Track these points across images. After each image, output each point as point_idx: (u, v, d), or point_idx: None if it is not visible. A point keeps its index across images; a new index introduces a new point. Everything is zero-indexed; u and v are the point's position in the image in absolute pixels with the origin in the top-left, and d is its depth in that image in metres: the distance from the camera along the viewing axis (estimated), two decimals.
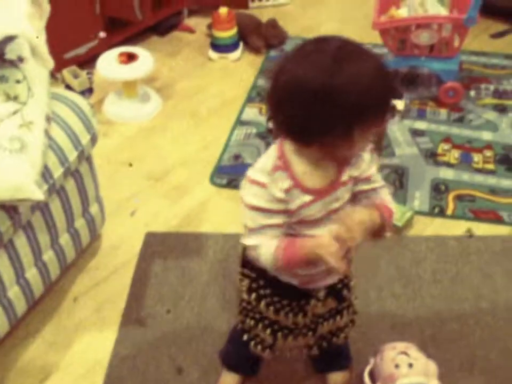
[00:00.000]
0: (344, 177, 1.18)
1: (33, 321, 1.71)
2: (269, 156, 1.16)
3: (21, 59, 1.46)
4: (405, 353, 1.51)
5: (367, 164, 1.20)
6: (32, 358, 1.64)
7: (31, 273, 1.61)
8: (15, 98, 1.41)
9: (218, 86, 2.59)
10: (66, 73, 2.45)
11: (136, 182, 2.16)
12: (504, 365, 1.61)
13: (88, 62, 2.54)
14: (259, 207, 1.14)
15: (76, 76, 2.44)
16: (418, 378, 1.45)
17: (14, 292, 1.57)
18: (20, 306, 1.61)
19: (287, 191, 1.14)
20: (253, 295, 1.33)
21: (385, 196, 1.24)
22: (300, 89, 1.04)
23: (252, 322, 1.38)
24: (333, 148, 1.09)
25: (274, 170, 1.14)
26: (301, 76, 1.04)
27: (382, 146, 1.19)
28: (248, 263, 1.29)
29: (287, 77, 1.06)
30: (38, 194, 1.38)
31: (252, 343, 1.41)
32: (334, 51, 1.04)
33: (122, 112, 2.43)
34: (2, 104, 1.39)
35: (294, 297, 1.32)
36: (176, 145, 2.32)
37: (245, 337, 1.41)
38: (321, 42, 1.07)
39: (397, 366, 1.47)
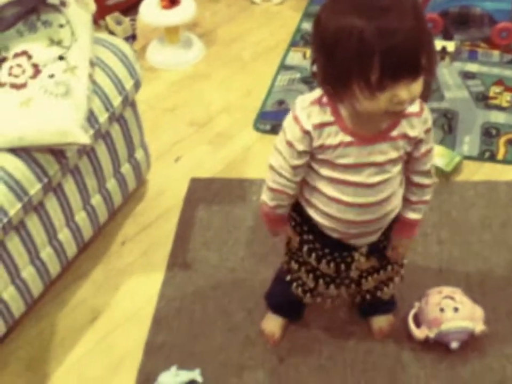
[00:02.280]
0: (394, 132, 1.14)
1: (83, 264, 1.76)
2: (316, 91, 1.13)
3: (63, 3, 1.45)
4: (451, 297, 1.49)
5: (422, 126, 1.16)
6: (82, 299, 1.70)
7: (80, 217, 1.65)
8: (59, 42, 1.41)
9: (262, 30, 2.54)
10: (109, 20, 2.44)
11: (180, 129, 2.17)
12: None
13: (130, 8, 2.52)
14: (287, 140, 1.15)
15: (119, 23, 2.43)
16: (464, 322, 1.44)
17: (64, 234, 1.61)
18: (70, 249, 1.66)
19: (320, 126, 1.12)
20: (297, 239, 1.33)
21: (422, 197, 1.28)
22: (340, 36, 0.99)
23: (296, 265, 1.38)
24: (366, 100, 1.03)
25: (313, 104, 1.12)
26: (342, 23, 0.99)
27: (428, 95, 1.13)
28: (297, 205, 1.29)
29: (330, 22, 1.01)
30: (84, 138, 1.39)
31: (294, 284, 1.42)
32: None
33: (165, 58, 2.42)
34: (47, 48, 1.40)
35: (336, 249, 1.31)
36: (219, 92, 2.30)
37: (288, 277, 1.42)
38: None
39: (442, 309, 1.46)
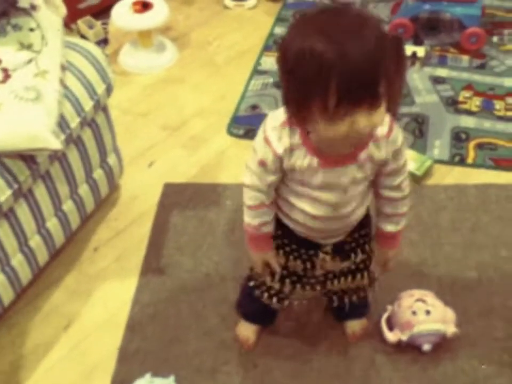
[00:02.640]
0: (362, 155, 1.15)
1: (55, 271, 1.74)
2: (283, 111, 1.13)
3: (33, 7, 1.44)
4: (422, 300, 1.51)
5: (390, 147, 1.17)
6: (55, 306, 1.68)
7: (52, 223, 1.63)
8: (29, 46, 1.40)
9: (235, 35, 2.54)
10: (81, 24, 2.42)
11: (153, 133, 2.16)
12: None
13: (102, 12, 2.50)
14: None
15: (90, 27, 2.41)
16: (436, 325, 1.46)
17: (35, 241, 1.59)
18: (42, 256, 1.63)
19: (290, 149, 1.13)
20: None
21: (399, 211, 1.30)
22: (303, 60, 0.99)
23: (266, 271, 1.38)
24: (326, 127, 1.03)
25: (284, 125, 1.13)
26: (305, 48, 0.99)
27: (396, 112, 1.15)
28: None
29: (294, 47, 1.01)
30: (56, 143, 1.38)
31: (259, 290, 1.43)
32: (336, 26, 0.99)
33: (138, 62, 2.40)
34: (17, 52, 1.38)
35: (302, 246, 1.33)
36: (192, 96, 2.30)
37: (252, 283, 1.43)
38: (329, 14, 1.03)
39: (414, 312, 1.48)
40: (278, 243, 1.34)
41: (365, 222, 1.34)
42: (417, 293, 1.55)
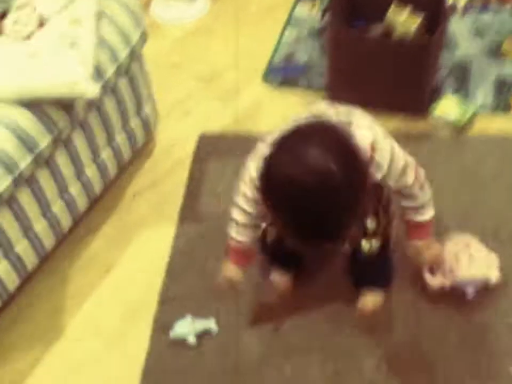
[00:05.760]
0: None
1: (94, 219, 1.75)
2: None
3: None
4: (467, 245, 1.49)
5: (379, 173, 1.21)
6: (95, 253, 1.69)
7: (91, 170, 1.64)
8: None
9: None
10: None
11: (187, 85, 2.14)
12: None
13: None
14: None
15: None
16: (480, 271, 1.44)
17: (75, 188, 1.60)
18: (81, 203, 1.65)
19: None
20: None
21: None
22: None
23: None
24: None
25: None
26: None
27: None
28: None
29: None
30: (91, 91, 1.37)
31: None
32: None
33: (169, 13, 2.37)
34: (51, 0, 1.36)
35: None
36: (225, 46, 2.26)
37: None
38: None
39: (458, 258, 1.46)
40: None
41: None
42: (461, 238, 1.52)
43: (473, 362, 1.43)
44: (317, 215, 1.03)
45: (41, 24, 1.43)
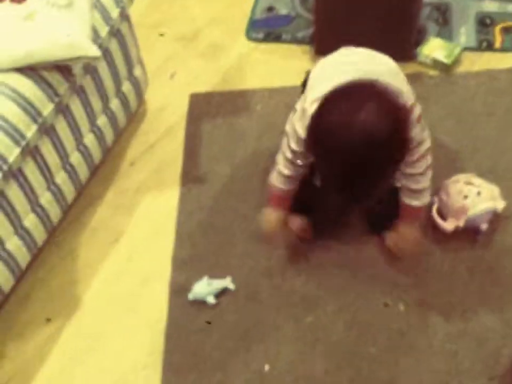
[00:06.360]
0: None
1: (95, 188, 1.73)
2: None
3: None
4: (470, 182, 1.52)
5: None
6: (100, 221, 1.68)
7: (89, 139, 1.61)
8: None
9: None
10: None
11: (169, 45, 2.10)
12: None
13: None
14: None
15: None
16: (489, 203, 1.48)
17: (75, 157, 1.57)
18: (83, 172, 1.62)
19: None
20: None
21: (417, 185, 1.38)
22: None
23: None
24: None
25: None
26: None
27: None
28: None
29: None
30: (94, 50, 1.33)
31: None
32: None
33: None
34: None
35: None
36: (203, 3, 2.22)
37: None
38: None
39: (465, 196, 1.49)
40: None
41: None
42: (462, 177, 1.56)
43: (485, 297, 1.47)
44: (358, 168, 1.12)
45: None
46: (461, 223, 1.49)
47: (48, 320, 1.52)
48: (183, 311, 1.52)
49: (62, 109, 1.45)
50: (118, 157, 1.79)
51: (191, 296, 1.51)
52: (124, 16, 1.60)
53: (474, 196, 1.48)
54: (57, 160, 1.50)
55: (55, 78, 1.37)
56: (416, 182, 1.38)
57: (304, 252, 1.57)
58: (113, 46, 1.60)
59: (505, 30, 2.00)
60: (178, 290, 1.53)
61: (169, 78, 2.00)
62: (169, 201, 1.70)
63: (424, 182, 1.39)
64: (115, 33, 1.58)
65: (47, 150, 1.45)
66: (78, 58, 1.33)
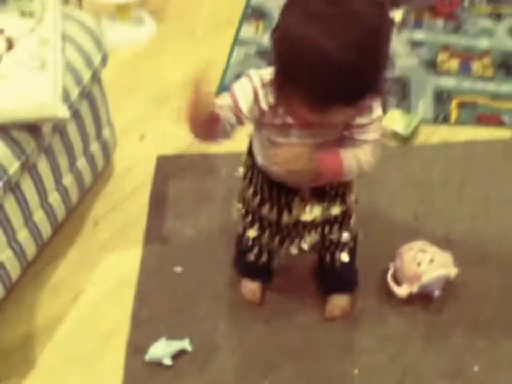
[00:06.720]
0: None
1: (58, 245, 1.74)
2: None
3: None
4: (423, 250, 1.58)
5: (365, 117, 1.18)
6: (61, 279, 1.68)
7: (54, 197, 1.62)
8: (30, 14, 1.38)
9: (212, 5, 2.54)
10: None
11: (140, 106, 2.15)
12: None
13: None
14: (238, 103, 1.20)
15: (66, 1, 2.36)
16: (442, 270, 1.53)
17: (39, 215, 1.58)
18: (45, 230, 1.63)
19: (272, 107, 1.16)
20: (246, 181, 1.39)
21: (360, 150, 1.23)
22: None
23: (247, 219, 1.42)
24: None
25: (270, 84, 1.14)
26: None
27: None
28: (250, 150, 1.35)
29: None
30: (63, 111, 1.37)
31: (247, 252, 1.49)
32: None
33: (117, 36, 2.38)
34: (19, 21, 1.36)
35: (279, 191, 1.33)
36: (175, 67, 2.29)
37: (241, 247, 1.51)
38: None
39: (419, 264, 1.54)
40: (255, 190, 1.37)
41: None
42: (416, 244, 1.61)
43: (439, 362, 1.50)
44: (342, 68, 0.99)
45: (10, 46, 1.41)
46: (414, 289, 1.54)
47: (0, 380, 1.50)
48: (140, 373, 1.51)
49: (28, 167, 1.47)
50: (82, 215, 1.81)
51: (147, 357, 1.50)
52: (96, 79, 1.66)
53: (427, 263, 1.54)
54: (20, 218, 1.51)
55: (23, 137, 1.39)
56: (362, 133, 1.22)
57: (262, 315, 1.59)
58: (84, 107, 1.65)
59: (461, 105, 2.11)
60: (136, 350, 1.53)
61: (139, 140, 2.05)
62: (132, 260, 1.71)
63: (371, 135, 1.23)
64: (86, 95, 1.63)
65: (11, 207, 1.46)
66: (48, 118, 1.36)
